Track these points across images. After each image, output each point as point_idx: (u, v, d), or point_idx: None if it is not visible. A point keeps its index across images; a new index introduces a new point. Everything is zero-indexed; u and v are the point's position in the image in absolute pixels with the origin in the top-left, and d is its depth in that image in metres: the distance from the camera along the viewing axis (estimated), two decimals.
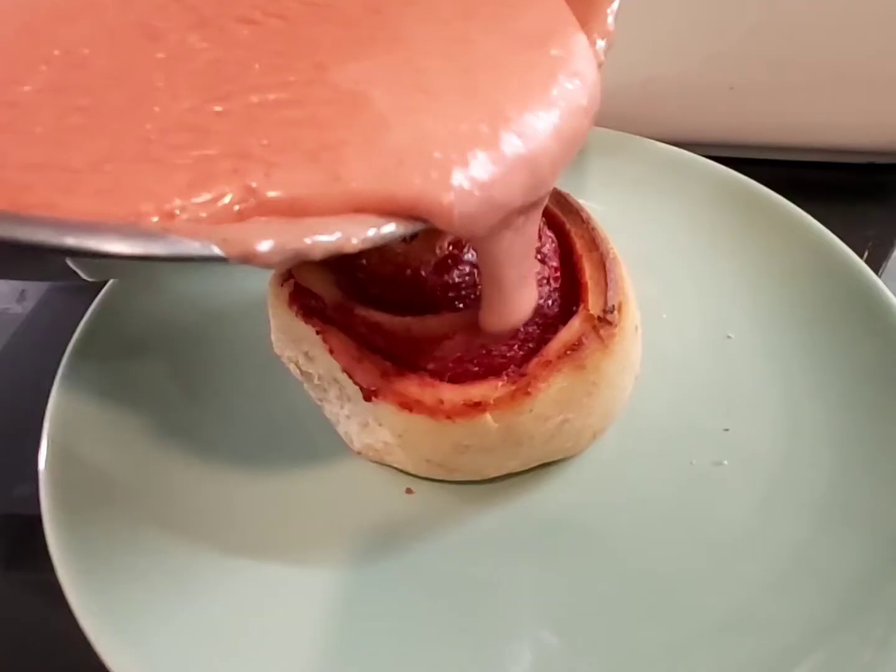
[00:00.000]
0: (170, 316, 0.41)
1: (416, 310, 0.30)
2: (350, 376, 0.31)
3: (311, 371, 0.34)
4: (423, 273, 0.30)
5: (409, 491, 0.34)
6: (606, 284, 0.33)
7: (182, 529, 0.32)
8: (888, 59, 0.48)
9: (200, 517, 0.32)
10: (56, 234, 0.16)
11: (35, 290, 0.50)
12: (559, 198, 0.36)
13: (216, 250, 0.17)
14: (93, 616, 0.28)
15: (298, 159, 0.19)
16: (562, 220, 0.35)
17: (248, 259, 0.18)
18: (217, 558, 0.31)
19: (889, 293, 0.38)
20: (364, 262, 0.31)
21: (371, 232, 0.19)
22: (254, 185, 0.19)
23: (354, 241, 0.19)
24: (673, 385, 0.38)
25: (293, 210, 0.19)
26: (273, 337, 0.36)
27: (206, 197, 0.18)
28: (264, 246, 0.18)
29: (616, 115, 0.53)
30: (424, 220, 0.20)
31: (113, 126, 0.20)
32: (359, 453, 0.35)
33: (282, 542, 0.32)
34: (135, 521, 0.32)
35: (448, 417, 0.30)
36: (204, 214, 0.18)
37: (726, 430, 0.35)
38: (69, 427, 0.34)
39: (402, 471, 0.34)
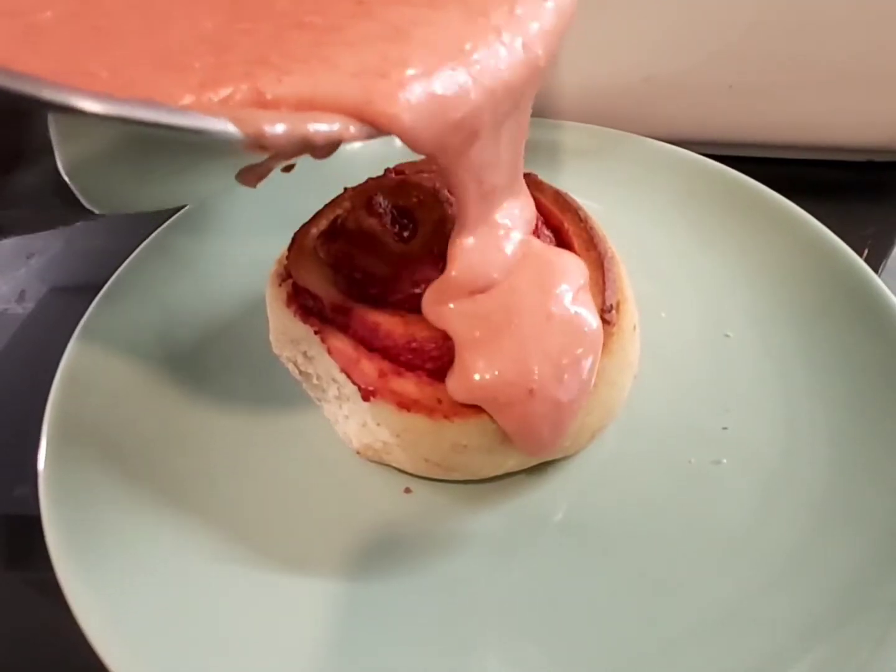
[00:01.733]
0: (169, 317, 0.41)
1: (415, 309, 0.30)
2: (348, 376, 0.31)
3: (309, 371, 0.34)
4: (420, 273, 0.30)
5: (407, 490, 0.34)
6: (604, 283, 0.33)
7: (181, 529, 0.32)
8: (887, 58, 0.48)
9: (199, 517, 0.32)
10: (59, 92, 0.16)
11: (35, 290, 0.50)
12: (557, 197, 0.36)
13: (230, 127, 0.18)
14: (92, 616, 0.28)
15: (307, 68, 0.21)
16: (560, 219, 0.35)
17: (260, 139, 0.19)
18: (215, 557, 0.31)
19: (888, 291, 0.38)
20: (363, 262, 0.31)
21: (353, 128, 0.21)
22: (264, 86, 0.20)
23: (352, 129, 0.20)
24: (672, 384, 0.38)
25: (298, 108, 0.20)
26: (271, 337, 0.36)
27: (218, 94, 0.19)
28: (277, 128, 0.19)
29: (615, 115, 0.53)
30: (379, 127, 0.21)
31: (132, 41, 0.21)
32: (358, 453, 0.35)
33: (281, 540, 0.32)
34: (133, 522, 0.32)
35: (446, 417, 0.30)
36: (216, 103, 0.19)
37: (725, 428, 0.35)
38: (68, 428, 0.35)
39: (400, 470, 0.34)
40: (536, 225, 0.32)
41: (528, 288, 0.29)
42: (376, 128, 0.21)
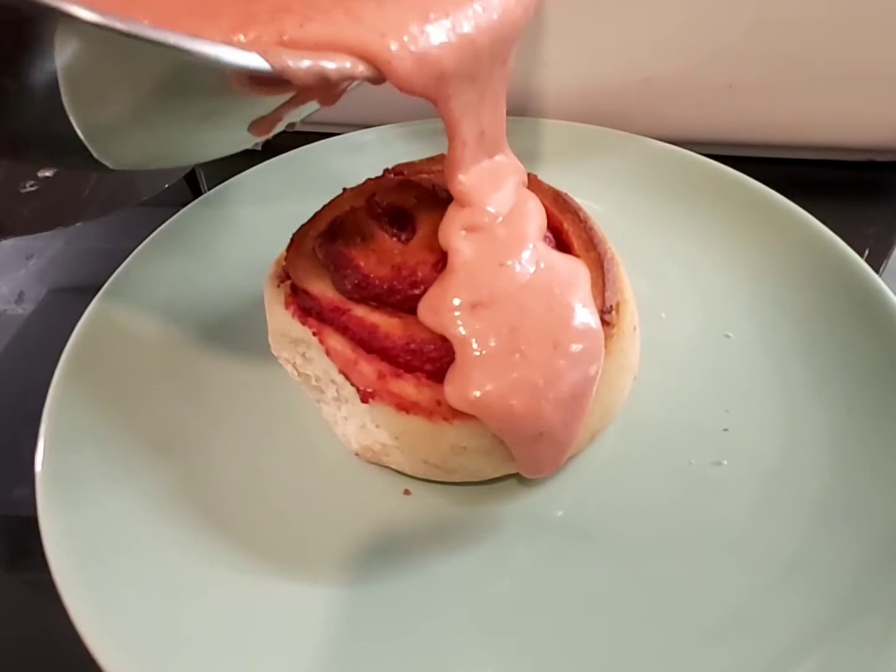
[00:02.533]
0: (167, 318, 0.41)
1: (413, 311, 0.30)
2: (347, 378, 0.31)
3: (308, 372, 0.34)
4: (419, 274, 0.30)
5: (406, 492, 0.34)
6: (604, 284, 0.32)
7: (178, 531, 0.32)
8: (887, 57, 0.48)
9: (197, 518, 0.32)
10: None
11: (34, 291, 0.50)
12: (557, 197, 0.36)
13: (258, 59, 0.21)
14: (88, 618, 0.28)
15: (326, 18, 0.24)
16: (559, 219, 0.35)
17: (285, 72, 0.21)
18: (213, 558, 0.31)
19: (889, 292, 0.38)
20: (361, 263, 0.31)
21: (362, 67, 0.24)
22: (286, 30, 0.23)
23: (361, 68, 0.23)
24: (672, 385, 0.37)
25: (316, 49, 0.23)
26: (270, 338, 0.36)
27: (248, 36, 0.22)
28: (302, 63, 0.22)
29: (615, 114, 0.53)
30: (380, 69, 0.24)
31: None
32: (357, 454, 0.34)
33: (279, 542, 0.32)
34: (131, 524, 0.32)
35: (445, 419, 0.29)
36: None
37: (725, 429, 0.35)
38: (66, 429, 0.34)
39: (400, 472, 0.34)
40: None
41: (537, 307, 0.29)
42: (378, 69, 0.24)
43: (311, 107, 0.29)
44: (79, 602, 0.28)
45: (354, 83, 0.27)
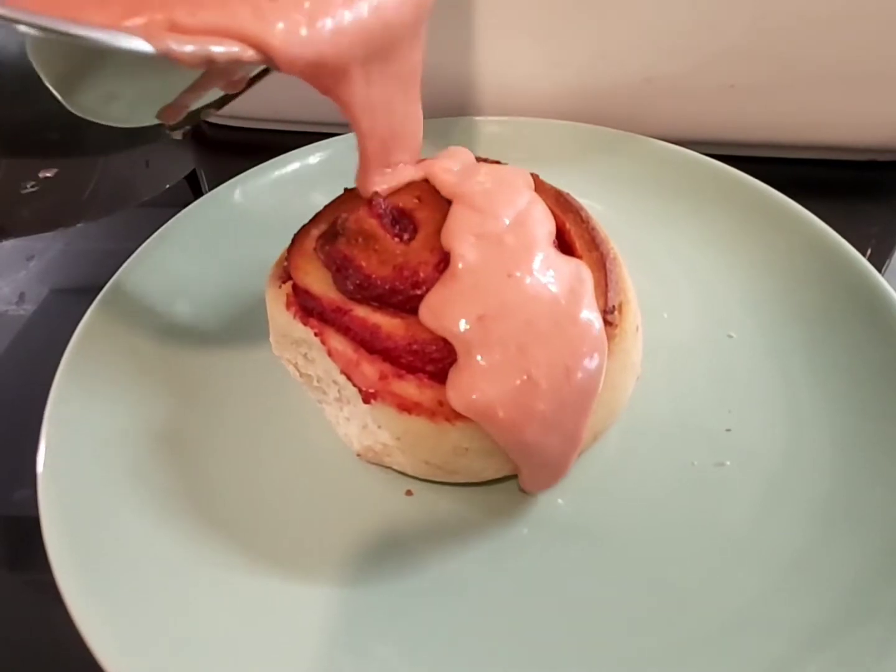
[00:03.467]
0: (168, 319, 0.41)
1: (415, 311, 0.30)
2: (349, 378, 0.31)
3: (310, 373, 0.34)
4: (421, 274, 0.30)
5: (408, 493, 0.34)
6: (607, 284, 0.32)
7: (180, 532, 0.32)
8: (889, 56, 0.47)
9: (198, 519, 0.32)
10: None
11: (35, 292, 0.50)
12: (559, 197, 0.36)
13: (141, 42, 0.23)
14: (90, 619, 0.28)
15: (217, 7, 0.25)
16: (561, 219, 0.35)
17: (169, 54, 0.23)
18: (215, 558, 0.31)
19: (892, 291, 0.37)
20: (363, 264, 0.31)
21: (251, 52, 0.25)
22: (177, 17, 0.24)
23: (250, 52, 0.25)
24: (674, 385, 0.37)
25: (207, 35, 0.25)
26: (272, 339, 0.36)
27: (135, 22, 0.24)
28: (186, 47, 0.23)
29: (616, 114, 0.52)
30: (264, 53, 0.26)
31: None
32: (358, 455, 0.34)
33: (281, 542, 0.32)
34: (132, 525, 0.32)
35: (447, 420, 0.29)
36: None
37: (728, 430, 0.35)
38: (67, 429, 0.34)
39: (401, 472, 0.34)
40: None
41: (544, 323, 0.29)
42: (265, 53, 0.25)
43: (216, 93, 0.32)
44: (80, 603, 0.28)
45: (256, 69, 0.30)
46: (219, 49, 0.24)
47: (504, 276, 0.29)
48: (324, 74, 0.28)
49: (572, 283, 0.30)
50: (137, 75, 0.29)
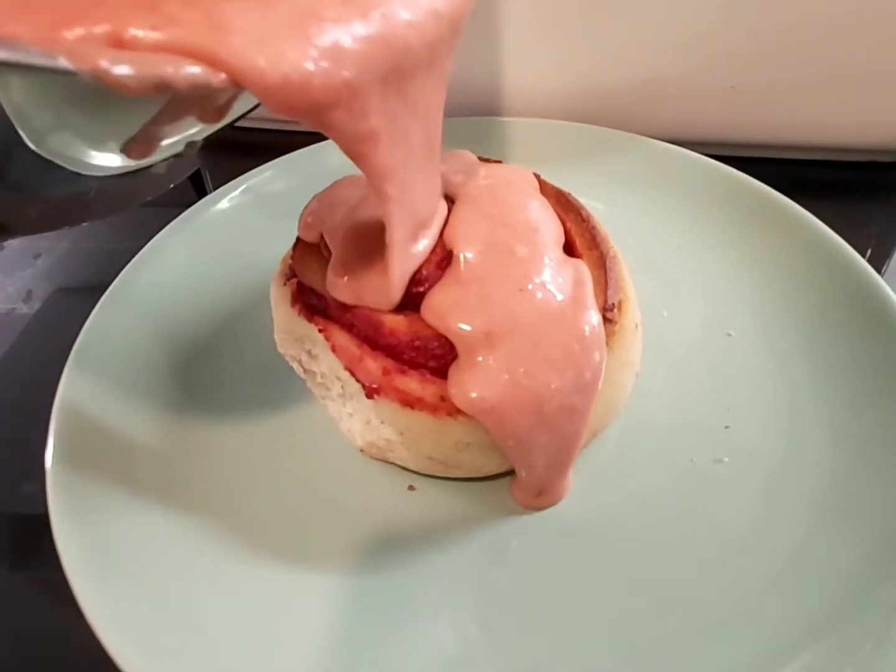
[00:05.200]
0: (173, 315, 0.42)
1: (417, 307, 0.30)
2: (352, 374, 0.31)
3: (313, 369, 0.35)
4: (424, 271, 0.31)
5: (411, 488, 0.34)
6: (606, 283, 0.33)
7: (188, 526, 0.32)
8: (889, 57, 0.48)
9: (205, 514, 0.33)
10: None
11: (42, 290, 0.50)
12: (560, 197, 0.36)
13: (62, 62, 0.17)
14: (101, 613, 0.28)
15: (172, 20, 0.19)
16: (562, 218, 0.35)
17: (101, 75, 0.17)
18: (222, 554, 0.31)
19: (891, 292, 0.38)
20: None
21: (222, 76, 0.19)
22: (122, 31, 0.18)
23: (222, 76, 0.19)
24: (673, 383, 0.38)
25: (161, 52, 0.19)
26: (276, 335, 0.36)
27: (69, 34, 0.18)
28: (121, 68, 0.17)
29: (617, 115, 0.53)
30: (236, 78, 0.20)
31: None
32: (361, 451, 0.35)
33: (285, 538, 0.32)
34: (140, 520, 0.32)
35: (449, 415, 0.30)
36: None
37: (727, 427, 0.35)
38: (75, 425, 0.35)
39: (404, 468, 0.34)
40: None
41: (550, 344, 0.29)
42: (234, 79, 0.19)
43: (197, 124, 0.25)
44: (91, 598, 0.29)
45: (249, 102, 0.23)
46: (174, 71, 0.18)
47: (515, 291, 0.29)
48: (318, 109, 0.21)
49: (574, 287, 0.31)
50: (80, 103, 0.23)
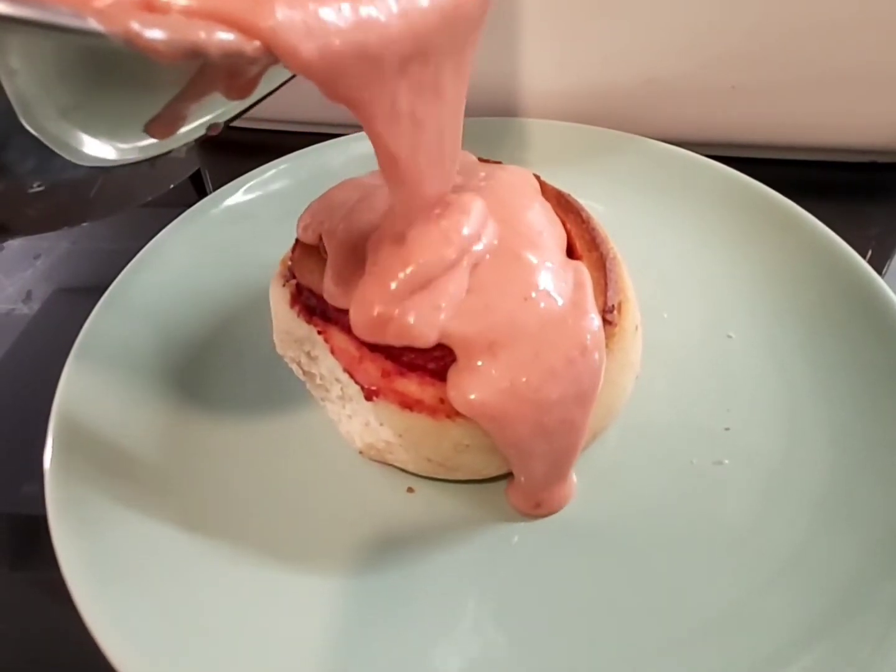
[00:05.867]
0: (172, 317, 0.42)
1: None
2: (351, 376, 0.31)
3: (313, 371, 0.35)
4: None
5: (410, 490, 0.34)
6: (606, 284, 0.33)
7: (186, 528, 0.32)
8: (889, 58, 0.48)
9: (204, 516, 0.33)
10: None
11: (41, 290, 0.50)
12: (559, 197, 0.36)
13: (92, 23, 0.16)
14: (98, 614, 0.28)
15: None
16: (562, 219, 0.35)
17: (133, 39, 0.16)
18: (221, 556, 0.31)
19: (891, 293, 0.38)
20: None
21: (256, 45, 0.19)
22: None
23: (256, 44, 0.18)
24: (673, 384, 0.38)
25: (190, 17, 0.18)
26: (275, 337, 0.36)
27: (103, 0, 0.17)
28: (154, 32, 0.17)
29: (617, 115, 0.53)
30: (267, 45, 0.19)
31: None
32: (361, 452, 0.35)
33: (284, 540, 0.32)
34: (139, 520, 0.32)
35: (448, 417, 0.30)
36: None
37: (727, 429, 0.35)
38: (74, 426, 0.35)
39: (403, 470, 0.34)
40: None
41: (551, 351, 0.29)
42: (268, 47, 0.19)
43: (221, 104, 0.24)
44: (89, 599, 0.29)
45: (283, 76, 0.23)
46: (207, 37, 0.17)
47: (520, 300, 0.29)
48: (352, 74, 0.21)
49: (574, 290, 0.31)
50: (104, 75, 0.22)
